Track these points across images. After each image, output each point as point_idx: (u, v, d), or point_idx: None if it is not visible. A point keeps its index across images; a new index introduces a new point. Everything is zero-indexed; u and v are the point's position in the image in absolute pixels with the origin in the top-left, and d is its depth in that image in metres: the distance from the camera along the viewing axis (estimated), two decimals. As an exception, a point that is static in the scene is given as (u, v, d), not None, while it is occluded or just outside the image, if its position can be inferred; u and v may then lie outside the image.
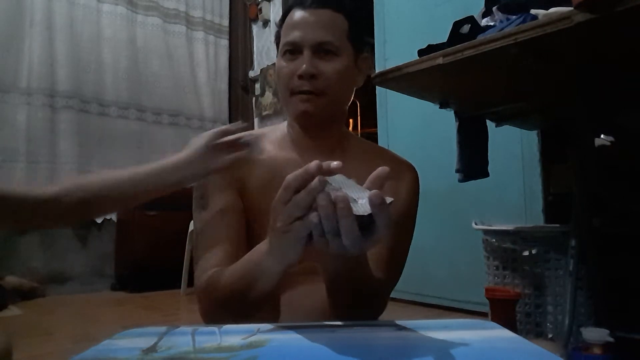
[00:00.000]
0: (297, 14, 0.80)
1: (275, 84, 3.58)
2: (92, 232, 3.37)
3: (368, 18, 2.82)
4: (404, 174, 0.85)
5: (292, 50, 0.79)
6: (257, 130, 0.92)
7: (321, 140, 0.84)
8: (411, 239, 0.86)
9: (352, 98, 0.87)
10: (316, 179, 0.50)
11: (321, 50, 0.78)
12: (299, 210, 0.51)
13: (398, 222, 0.80)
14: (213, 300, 0.71)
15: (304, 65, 0.76)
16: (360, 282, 0.63)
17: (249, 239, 0.80)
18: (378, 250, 0.72)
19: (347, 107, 0.89)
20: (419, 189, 0.87)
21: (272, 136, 0.88)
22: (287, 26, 0.81)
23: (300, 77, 0.77)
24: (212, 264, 0.74)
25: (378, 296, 0.73)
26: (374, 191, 0.48)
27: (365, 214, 0.48)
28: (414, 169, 0.88)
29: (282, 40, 0.81)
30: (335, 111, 0.85)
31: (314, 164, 0.51)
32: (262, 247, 0.62)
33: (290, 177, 0.52)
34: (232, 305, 0.67)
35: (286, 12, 0.83)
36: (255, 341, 0.49)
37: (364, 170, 0.81)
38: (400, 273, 0.83)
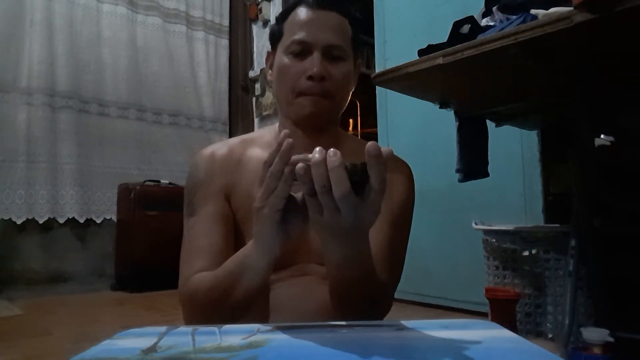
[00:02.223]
0: (305, 13, 0.78)
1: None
2: (92, 232, 3.37)
3: (366, 21, 2.82)
4: (397, 170, 0.85)
5: (300, 50, 0.77)
6: (246, 135, 0.90)
7: (315, 141, 0.83)
8: (409, 235, 0.85)
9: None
10: (287, 141, 0.51)
11: (330, 53, 0.77)
12: (274, 180, 0.51)
13: (395, 219, 0.79)
14: (197, 303, 0.69)
15: (316, 68, 0.75)
16: (365, 281, 0.62)
17: (239, 244, 0.78)
18: (376, 249, 0.71)
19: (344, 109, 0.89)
20: (414, 184, 0.87)
21: (262, 140, 0.86)
22: (293, 24, 0.79)
23: (310, 78, 0.75)
24: (195, 270, 0.72)
25: (383, 296, 0.72)
26: (371, 142, 0.48)
27: (358, 162, 0.48)
28: (407, 165, 0.88)
29: (288, 38, 0.79)
30: (337, 114, 0.85)
31: (288, 141, 0.52)
32: (248, 244, 0.61)
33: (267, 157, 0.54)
34: (217, 306, 0.66)
35: (289, 9, 0.81)
36: (255, 341, 0.49)
37: None
38: (401, 270, 0.82)
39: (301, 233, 0.57)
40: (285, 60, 0.79)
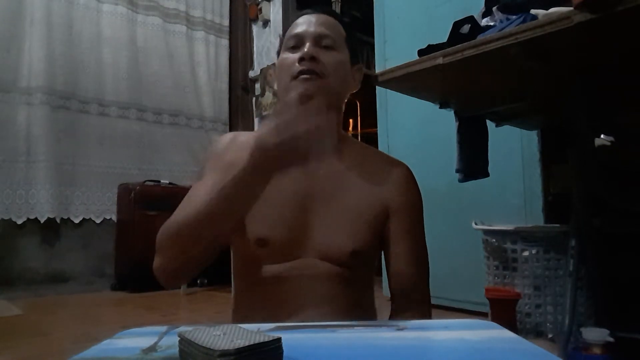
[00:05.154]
0: (300, 16, 0.87)
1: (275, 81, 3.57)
2: (92, 232, 3.37)
3: (366, 21, 2.82)
4: (398, 175, 0.88)
5: (294, 43, 0.84)
6: (250, 132, 0.94)
7: None
8: (424, 233, 0.95)
9: (346, 99, 0.90)
10: None
11: (321, 42, 0.83)
12: None
13: (411, 223, 0.90)
14: (166, 230, 0.74)
15: (306, 49, 0.81)
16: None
17: (239, 230, 0.81)
18: (402, 262, 0.86)
19: (343, 111, 0.90)
20: (417, 184, 0.91)
21: None
22: (291, 28, 0.87)
23: (302, 59, 0.81)
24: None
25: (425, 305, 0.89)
26: None
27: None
28: (407, 167, 0.91)
29: (286, 40, 0.87)
30: (333, 97, 0.84)
31: None
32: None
33: None
34: (184, 226, 0.72)
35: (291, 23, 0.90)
36: (255, 341, 0.48)
37: (360, 171, 0.83)
38: (428, 267, 0.96)
39: None
40: (284, 55, 0.85)
